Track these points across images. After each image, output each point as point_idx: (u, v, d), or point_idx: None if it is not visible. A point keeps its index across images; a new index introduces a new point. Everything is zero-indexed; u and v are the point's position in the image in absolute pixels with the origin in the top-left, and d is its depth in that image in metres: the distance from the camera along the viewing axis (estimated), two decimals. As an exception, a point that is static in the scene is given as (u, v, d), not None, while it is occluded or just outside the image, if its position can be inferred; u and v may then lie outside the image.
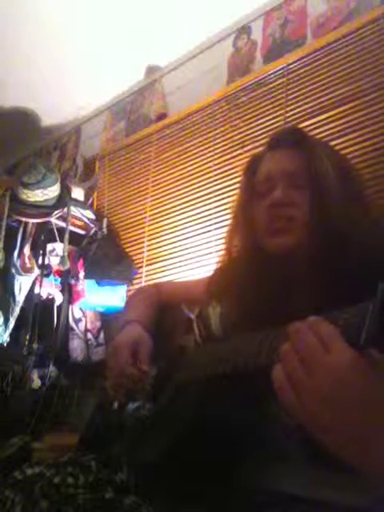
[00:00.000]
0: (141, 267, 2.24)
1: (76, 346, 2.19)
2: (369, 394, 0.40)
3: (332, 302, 0.49)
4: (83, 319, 2.25)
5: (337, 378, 0.41)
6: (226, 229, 0.96)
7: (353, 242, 0.71)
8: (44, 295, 2.22)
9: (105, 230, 2.35)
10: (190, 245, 2.07)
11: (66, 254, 2.13)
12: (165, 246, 2.18)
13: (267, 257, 0.80)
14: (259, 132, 1.92)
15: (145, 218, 2.30)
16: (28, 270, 2.24)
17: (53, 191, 2.20)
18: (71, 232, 2.24)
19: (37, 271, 2.24)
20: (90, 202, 2.49)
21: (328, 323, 0.44)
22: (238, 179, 1.93)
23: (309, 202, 0.78)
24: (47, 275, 2.24)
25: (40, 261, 2.24)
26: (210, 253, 1.97)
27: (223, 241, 0.95)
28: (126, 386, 0.82)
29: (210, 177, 2.06)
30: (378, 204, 0.93)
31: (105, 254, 2.21)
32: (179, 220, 2.15)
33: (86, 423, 0.91)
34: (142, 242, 2.27)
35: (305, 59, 1.84)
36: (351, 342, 0.42)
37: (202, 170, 2.11)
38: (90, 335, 2.23)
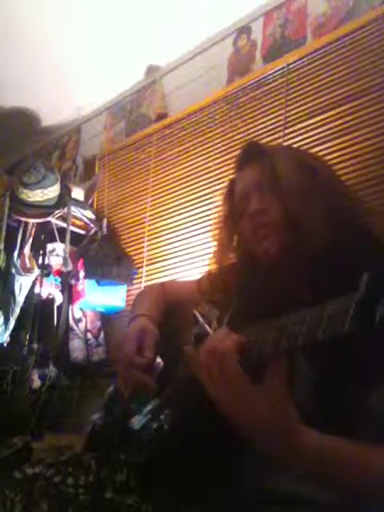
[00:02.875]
0: (141, 267, 2.24)
1: (76, 346, 2.19)
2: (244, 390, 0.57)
3: (321, 299, 0.51)
4: (83, 319, 2.25)
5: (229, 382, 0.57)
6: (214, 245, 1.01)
7: (326, 238, 0.74)
8: (44, 295, 2.22)
9: (105, 229, 2.35)
10: (190, 245, 2.07)
11: (67, 254, 2.13)
12: (165, 245, 2.18)
13: (260, 265, 0.84)
14: (259, 132, 1.92)
15: (145, 217, 2.30)
16: (28, 270, 2.24)
17: (53, 191, 2.20)
18: (71, 232, 2.24)
19: (37, 271, 2.24)
20: (90, 202, 2.49)
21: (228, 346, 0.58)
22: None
23: (279, 204, 0.82)
24: (47, 275, 2.24)
25: (40, 261, 2.24)
26: (210, 253, 1.96)
27: (214, 252, 1.00)
28: (134, 376, 0.82)
29: (210, 177, 2.06)
30: (356, 196, 0.96)
31: (105, 254, 2.21)
32: (179, 220, 2.15)
33: (91, 426, 0.91)
34: (142, 242, 2.27)
35: (305, 59, 1.84)
36: (337, 333, 0.46)
37: (201, 170, 2.11)
38: (89, 335, 2.23)
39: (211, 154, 2.09)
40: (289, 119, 1.84)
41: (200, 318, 0.79)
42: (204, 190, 2.08)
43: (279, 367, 0.55)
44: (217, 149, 2.07)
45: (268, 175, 0.85)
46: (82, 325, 2.24)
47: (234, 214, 0.93)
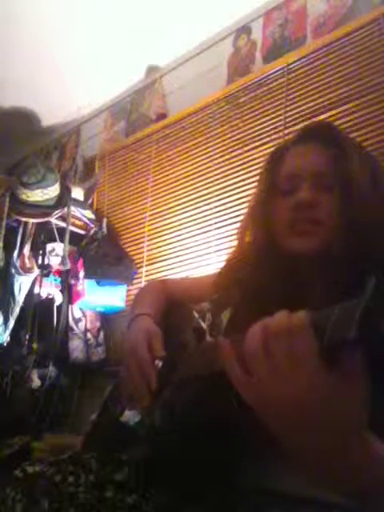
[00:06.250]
0: (141, 267, 2.24)
1: (76, 346, 2.19)
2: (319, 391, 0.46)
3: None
4: (83, 319, 2.25)
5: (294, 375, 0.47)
6: (239, 223, 0.90)
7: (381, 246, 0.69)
8: (44, 295, 2.22)
9: (105, 229, 2.35)
10: (189, 245, 2.07)
11: (66, 254, 2.13)
12: (165, 245, 2.18)
13: (284, 256, 0.77)
14: (259, 132, 1.93)
15: (145, 217, 2.30)
16: (28, 270, 2.24)
17: (53, 191, 2.20)
18: (71, 232, 2.24)
19: (37, 271, 2.24)
20: (89, 201, 2.49)
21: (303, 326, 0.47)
22: (238, 179, 1.95)
23: (338, 204, 0.74)
24: (47, 275, 2.24)
25: (40, 261, 2.24)
26: (210, 253, 1.97)
27: (236, 234, 0.90)
28: (147, 385, 0.79)
29: (210, 177, 2.06)
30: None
31: (105, 253, 2.21)
32: (179, 220, 2.15)
33: (92, 425, 0.90)
34: (142, 242, 2.28)
35: (305, 59, 1.84)
36: (339, 339, 0.44)
37: (201, 170, 2.11)
38: (89, 335, 2.23)
39: (211, 153, 2.09)
40: (289, 119, 1.84)
41: (204, 326, 0.78)
42: (204, 189, 2.07)
43: (356, 357, 0.46)
44: (217, 149, 2.07)
45: (335, 169, 0.76)
46: (81, 325, 2.24)
47: (273, 188, 0.82)
